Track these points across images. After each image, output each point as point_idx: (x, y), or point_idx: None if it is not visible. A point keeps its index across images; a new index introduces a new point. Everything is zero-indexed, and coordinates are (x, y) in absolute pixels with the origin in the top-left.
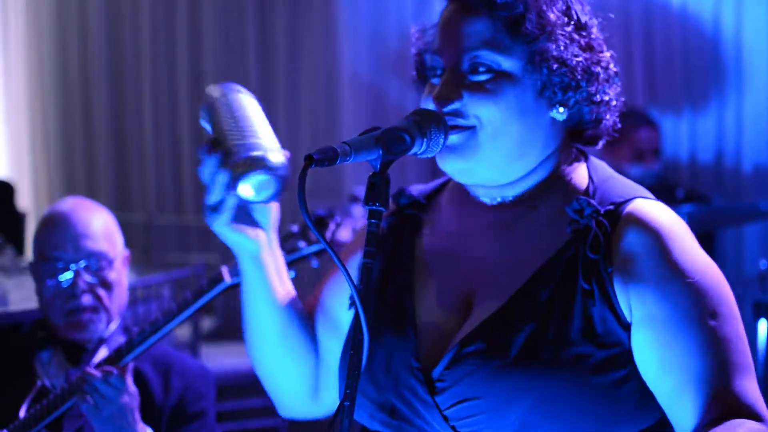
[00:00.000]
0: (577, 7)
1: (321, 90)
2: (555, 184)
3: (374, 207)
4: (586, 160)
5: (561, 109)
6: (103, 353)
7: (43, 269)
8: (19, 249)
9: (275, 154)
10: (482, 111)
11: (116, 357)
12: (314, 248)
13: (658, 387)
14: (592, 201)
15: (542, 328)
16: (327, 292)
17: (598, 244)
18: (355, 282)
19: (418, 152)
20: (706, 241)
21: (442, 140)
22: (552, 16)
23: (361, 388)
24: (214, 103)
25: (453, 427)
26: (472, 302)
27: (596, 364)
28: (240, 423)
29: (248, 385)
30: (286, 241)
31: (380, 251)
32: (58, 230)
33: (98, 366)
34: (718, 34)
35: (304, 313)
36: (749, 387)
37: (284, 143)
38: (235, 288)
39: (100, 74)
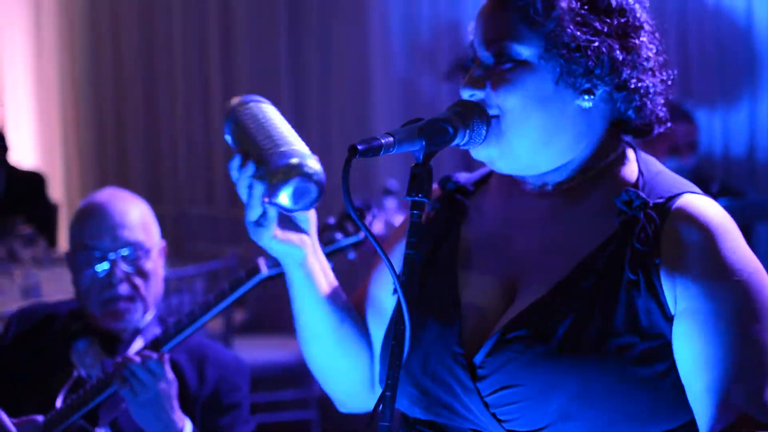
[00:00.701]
0: None
1: (353, 86)
2: (603, 176)
3: (417, 198)
4: (636, 153)
5: (586, 97)
6: (138, 344)
7: (81, 259)
8: (51, 240)
9: (311, 159)
10: (503, 100)
11: (153, 347)
12: (351, 240)
13: (690, 384)
14: (641, 193)
15: (586, 318)
16: (374, 282)
17: (646, 236)
18: (398, 272)
19: (461, 143)
20: (744, 235)
21: (484, 132)
22: (562, 2)
23: (403, 374)
24: (239, 116)
25: (494, 414)
26: (516, 289)
27: (638, 355)
28: (273, 415)
29: (281, 377)
30: (323, 233)
31: (426, 236)
32: (95, 220)
33: (137, 354)
34: (751, 29)
35: (353, 309)
36: None
37: (316, 141)
38: (272, 279)
39: (133, 66)
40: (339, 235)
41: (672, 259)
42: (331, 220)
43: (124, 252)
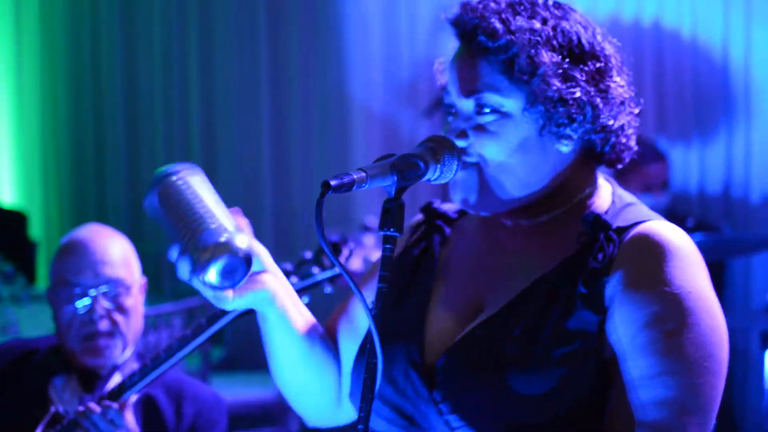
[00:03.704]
0: (581, 34)
1: (333, 122)
2: (578, 209)
3: (389, 232)
4: (612, 187)
5: (566, 142)
6: (116, 380)
7: (62, 294)
8: (30, 278)
9: (239, 236)
10: (485, 150)
11: (129, 382)
12: (328, 274)
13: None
14: (604, 216)
15: (536, 329)
16: (354, 303)
17: (603, 255)
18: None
19: (432, 178)
20: (718, 271)
21: (455, 166)
22: (545, 57)
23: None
24: (165, 190)
25: (446, 422)
26: (482, 308)
27: (584, 366)
28: None
29: (259, 414)
30: (300, 267)
31: (407, 259)
32: (77, 256)
33: (108, 395)
34: (727, 66)
35: (321, 331)
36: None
37: (297, 177)
38: (248, 314)
39: (113, 105)
40: (316, 269)
41: (620, 273)
42: (308, 255)
43: (105, 288)
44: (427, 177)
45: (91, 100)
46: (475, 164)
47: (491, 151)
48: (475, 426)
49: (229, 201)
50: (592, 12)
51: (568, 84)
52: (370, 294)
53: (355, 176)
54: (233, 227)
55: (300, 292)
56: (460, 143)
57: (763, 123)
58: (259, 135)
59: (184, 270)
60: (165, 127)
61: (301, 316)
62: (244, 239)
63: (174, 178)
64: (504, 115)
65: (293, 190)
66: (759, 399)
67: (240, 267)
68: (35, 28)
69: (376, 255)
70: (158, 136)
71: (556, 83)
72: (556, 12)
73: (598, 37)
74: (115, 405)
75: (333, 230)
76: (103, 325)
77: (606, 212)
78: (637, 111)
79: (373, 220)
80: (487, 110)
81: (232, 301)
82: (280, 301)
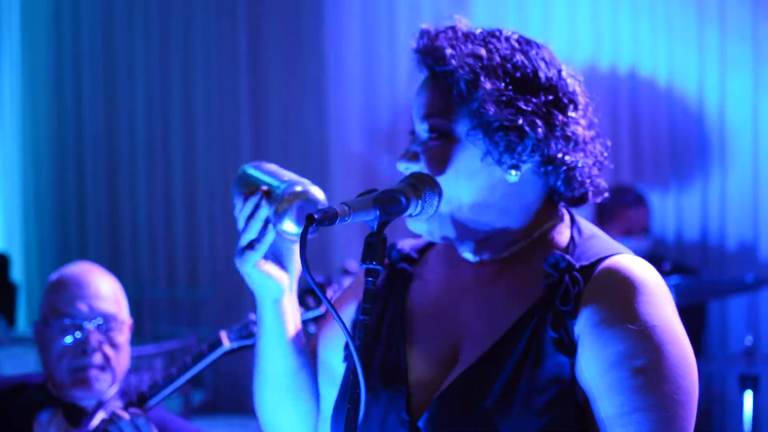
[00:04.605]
0: (539, 68)
1: (312, 166)
2: (539, 244)
3: (371, 266)
4: (573, 220)
5: (513, 172)
6: (100, 417)
7: (54, 326)
8: (10, 320)
9: (314, 187)
10: (434, 174)
11: (138, 403)
12: (312, 314)
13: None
14: (567, 256)
15: (516, 378)
16: (322, 341)
17: (567, 296)
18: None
19: (413, 214)
20: (698, 313)
21: (436, 202)
22: (485, 83)
23: None
24: (244, 173)
25: None
26: (458, 354)
27: (567, 410)
28: None
29: None
30: (245, 330)
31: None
32: (71, 289)
33: (129, 404)
34: (702, 113)
35: (312, 358)
36: None
37: None
38: (230, 355)
39: (94, 148)
40: (300, 310)
41: (587, 312)
42: None
43: (99, 321)
44: (408, 212)
45: (72, 145)
46: (440, 187)
47: (439, 176)
48: None
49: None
50: (570, 59)
51: (508, 111)
52: (345, 319)
53: (338, 210)
54: (309, 182)
55: None
56: (412, 166)
57: (738, 170)
58: None
59: (262, 214)
60: (146, 170)
61: (297, 335)
62: (319, 190)
63: (250, 165)
64: (451, 140)
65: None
66: None
67: (311, 209)
68: (17, 73)
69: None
70: (139, 179)
71: (495, 109)
72: (515, 45)
73: (563, 74)
74: (142, 413)
75: (314, 273)
76: (96, 358)
77: (568, 247)
78: (599, 152)
79: (354, 264)
80: (434, 135)
81: (252, 267)
82: (283, 304)
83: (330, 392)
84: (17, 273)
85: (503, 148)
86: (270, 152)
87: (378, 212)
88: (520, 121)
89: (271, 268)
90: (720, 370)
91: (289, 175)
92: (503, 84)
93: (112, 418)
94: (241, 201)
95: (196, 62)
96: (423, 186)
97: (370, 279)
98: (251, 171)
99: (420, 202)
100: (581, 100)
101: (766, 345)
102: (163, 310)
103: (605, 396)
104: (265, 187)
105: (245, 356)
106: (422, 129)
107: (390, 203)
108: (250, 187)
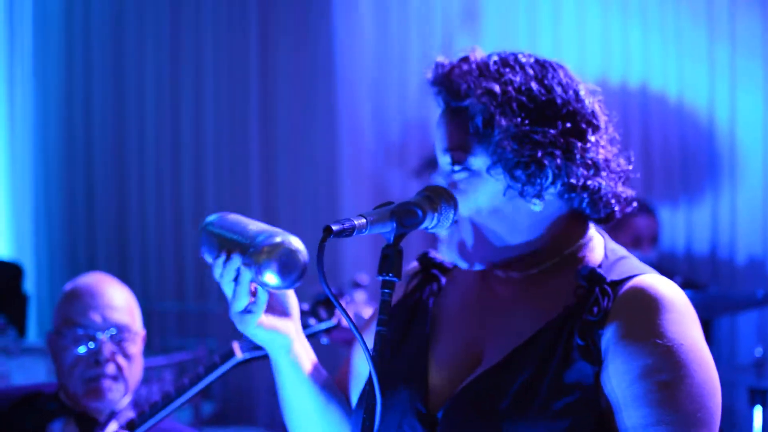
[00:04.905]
0: (556, 94)
1: (323, 182)
2: (569, 261)
3: (387, 278)
4: (605, 241)
5: (536, 201)
6: (113, 427)
7: (68, 336)
8: (21, 331)
9: (292, 237)
10: (458, 206)
11: (128, 428)
12: (324, 325)
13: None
14: (599, 270)
15: (535, 381)
16: (354, 356)
17: (598, 308)
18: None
19: (429, 226)
20: (705, 327)
21: (452, 215)
22: (503, 119)
23: None
24: (212, 227)
25: None
26: (482, 356)
27: (585, 416)
28: None
29: None
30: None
31: (404, 308)
32: (85, 299)
33: (125, 427)
34: (712, 128)
35: (334, 385)
36: None
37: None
38: (243, 365)
39: (104, 161)
40: (312, 321)
41: (615, 325)
42: (305, 307)
43: (112, 332)
44: (424, 225)
45: (82, 157)
46: (454, 221)
47: (462, 208)
48: None
49: None
50: (580, 74)
51: (527, 146)
52: (369, 340)
53: (355, 222)
54: (285, 232)
55: None
56: None
57: (748, 185)
58: (249, 192)
59: (246, 279)
60: (155, 182)
61: (314, 368)
62: (297, 240)
63: (219, 216)
64: (472, 173)
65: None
66: None
67: (297, 264)
68: (29, 84)
69: (367, 311)
70: (148, 190)
71: (513, 146)
72: (530, 72)
73: (581, 95)
74: None
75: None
76: (109, 368)
77: (599, 265)
78: (624, 168)
79: (364, 278)
80: (458, 168)
81: (256, 328)
82: (295, 350)
83: None
84: (29, 284)
85: (524, 182)
86: (280, 167)
87: (395, 224)
88: (539, 155)
89: (273, 321)
90: (729, 382)
91: (257, 225)
92: (519, 118)
93: None
94: (219, 265)
95: (207, 77)
96: (439, 199)
97: (386, 291)
98: (217, 229)
99: (436, 214)
100: (601, 119)
101: None
102: (171, 323)
103: (629, 407)
104: (241, 240)
105: (254, 368)
106: (445, 161)
107: (406, 216)
108: (222, 245)
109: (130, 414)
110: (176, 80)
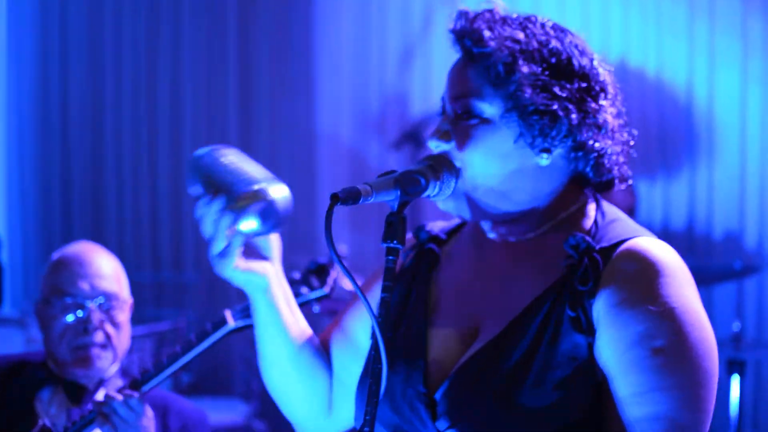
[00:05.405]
0: (573, 55)
1: (300, 155)
2: (562, 225)
3: (391, 244)
4: (598, 204)
5: (544, 155)
6: (102, 394)
7: (56, 305)
8: None
9: (274, 183)
10: (466, 154)
11: (143, 378)
12: (316, 294)
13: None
14: (588, 238)
15: (530, 355)
16: (349, 315)
17: (586, 277)
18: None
19: (431, 194)
20: None
21: (453, 183)
22: (523, 67)
23: (378, 413)
24: (200, 162)
25: None
26: (478, 332)
27: (581, 387)
28: None
29: None
30: (249, 309)
31: (401, 283)
32: (73, 268)
33: (124, 389)
34: (691, 104)
35: (314, 336)
36: None
37: None
38: (235, 333)
39: (80, 131)
40: (304, 289)
41: (606, 293)
42: (297, 275)
43: (100, 300)
44: (427, 193)
45: (58, 127)
46: (458, 168)
47: (471, 155)
48: None
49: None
50: None
51: (544, 96)
52: (372, 300)
53: (361, 189)
54: (269, 177)
55: None
56: (443, 146)
57: (726, 161)
58: None
59: (225, 223)
60: (131, 154)
61: (293, 316)
62: (280, 186)
63: (212, 152)
64: (485, 121)
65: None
66: (725, 428)
67: (276, 211)
68: (2, 49)
69: (347, 282)
70: (124, 163)
71: (532, 93)
72: (550, 31)
73: (595, 63)
74: (136, 393)
75: (302, 260)
76: (98, 337)
77: (591, 229)
78: (627, 140)
79: (345, 249)
80: (469, 115)
81: (232, 271)
82: (272, 292)
83: (352, 363)
84: (1, 255)
85: (537, 131)
86: (257, 138)
87: (399, 192)
88: (555, 106)
89: (251, 264)
90: None
91: (243, 168)
92: (539, 68)
93: (106, 400)
94: (201, 206)
95: (185, 42)
96: (441, 167)
97: (390, 258)
98: (205, 165)
99: (438, 183)
100: (611, 89)
101: (753, 331)
102: (148, 294)
103: (624, 375)
104: (223, 183)
105: (231, 339)
106: (455, 108)
107: (410, 184)
108: (209, 183)
109: (119, 382)
110: (154, 45)
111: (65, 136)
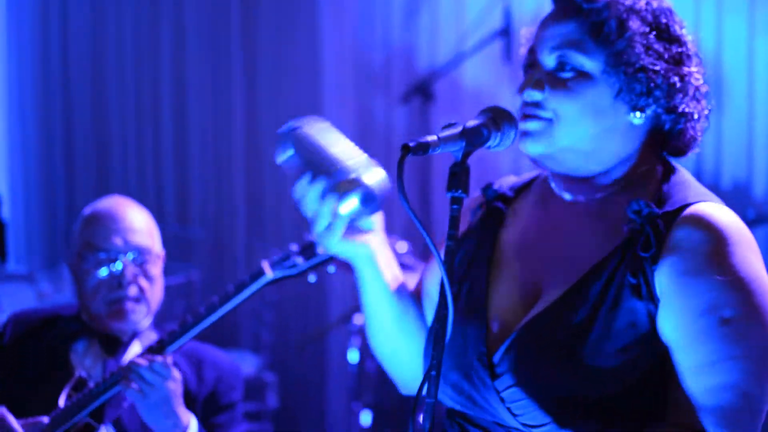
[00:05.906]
0: (667, 19)
1: (305, 111)
2: (631, 186)
3: (456, 194)
4: (670, 167)
5: (638, 114)
6: (136, 347)
7: (91, 260)
8: (2, 257)
9: (368, 169)
10: (560, 106)
11: (158, 348)
12: (315, 261)
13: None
14: (651, 204)
15: (591, 321)
16: (427, 275)
17: (648, 243)
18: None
19: (492, 145)
20: None
21: (513, 135)
22: (634, 25)
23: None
24: (296, 136)
25: (509, 409)
26: (539, 292)
27: (642, 353)
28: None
29: None
30: (306, 250)
31: (468, 241)
32: (106, 223)
33: (149, 351)
34: (698, 53)
35: (415, 298)
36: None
37: (268, 170)
38: (277, 282)
39: (82, 84)
40: (300, 260)
41: (670, 261)
42: (295, 248)
43: (133, 255)
44: (488, 144)
45: (59, 79)
46: (549, 119)
47: (565, 107)
48: (536, 412)
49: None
50: None
51: (651, 55)
52: (435, 277)
53: (429, 140)
54: (367, 162)
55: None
56: (535, 95)
57: (733, 112)
58: (231, 120)
59: (330, 203)
60: (136, 111)
61: (394, 279)
62: (378, 171)
63: (308, 126)
64: (583, 75)
65: (264, 178)
66: None
67: (376, 196)
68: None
69: (402, 246)
70: (129, 114)
71: (641, 50)
72: (653, 2)
73: (684, 31)
74: (160, 357)
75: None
76: (132, 290)
77: (657, 193)
78: (708, 107)
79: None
80: (568, 67)
81: (337, 245)
82: (377, 262)
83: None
84: (3, 211)
85: (640, 90)
86: (261, 92)
87: (464, 143)
88: (659, 67)
89: (354, 236)
90: None
91: (344, 147)
92: (648, 28)
93: (131, 366)
94: (303, 185)
95: (188, 2)
96: (501, 119)
97: (455, 207)
98: (303, 141)
99: (499, 134)
100: (698, 56)
101: None
102: None
103: (691, 345)
104: (322, 165)
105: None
106: (551, 60)
107: (474, 135)
108: (307, 162)
109: (153, 335)
110: (156, 8)
111: (66, 91)
